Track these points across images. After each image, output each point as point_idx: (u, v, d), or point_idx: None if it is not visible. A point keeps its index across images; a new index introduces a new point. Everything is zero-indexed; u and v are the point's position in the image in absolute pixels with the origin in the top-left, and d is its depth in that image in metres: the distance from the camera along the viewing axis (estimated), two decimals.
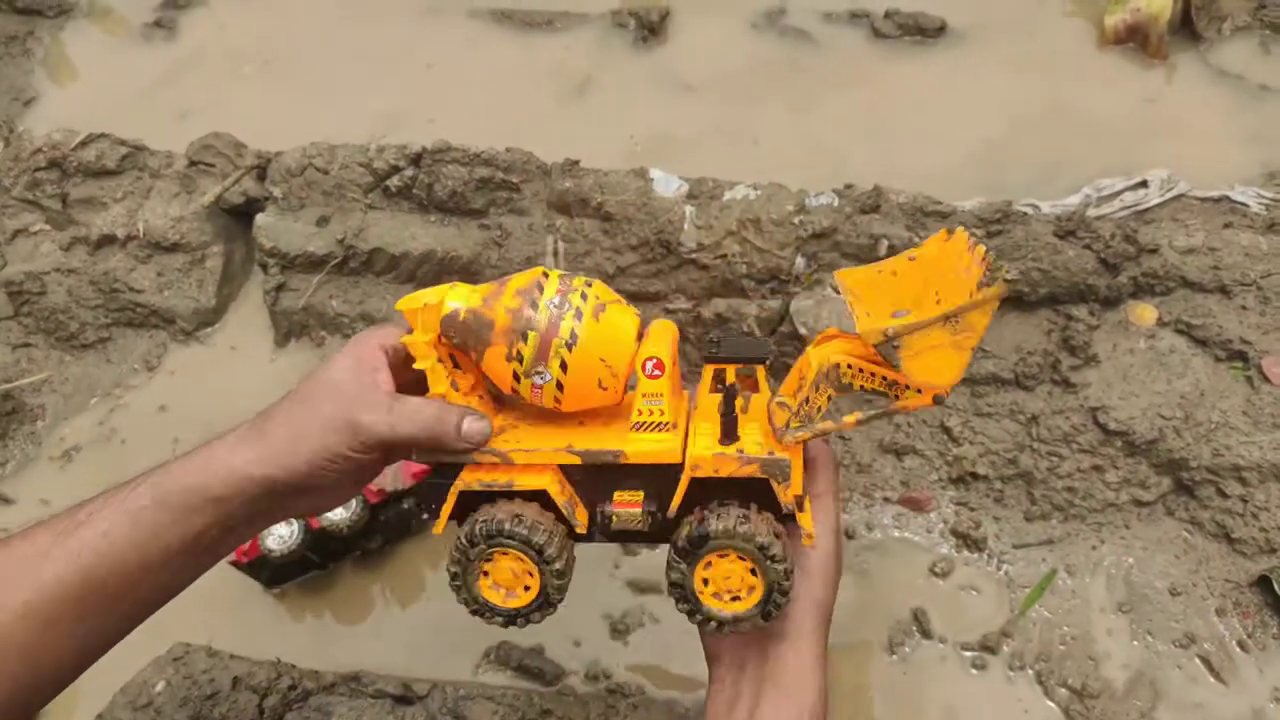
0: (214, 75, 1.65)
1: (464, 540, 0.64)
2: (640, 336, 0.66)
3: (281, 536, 1.00)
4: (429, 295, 0.64)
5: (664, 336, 0.66)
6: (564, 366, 0.62)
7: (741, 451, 0.63)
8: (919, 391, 0.62)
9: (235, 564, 1.02)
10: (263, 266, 1.30)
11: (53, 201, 1.38)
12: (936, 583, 1.04)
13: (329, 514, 1.01)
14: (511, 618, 0.67)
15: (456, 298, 0.64)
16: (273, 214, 1.30)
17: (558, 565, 0.64)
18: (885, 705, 0.97)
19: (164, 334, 1.31)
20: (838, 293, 1.12)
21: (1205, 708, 0.94)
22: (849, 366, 0.62)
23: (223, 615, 1.06)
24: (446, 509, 0.66)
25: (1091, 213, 1.19)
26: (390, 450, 0.64)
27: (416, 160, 1.28)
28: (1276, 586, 0.98)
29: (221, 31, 1.72)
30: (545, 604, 0.67)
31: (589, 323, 0.63)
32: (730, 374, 0.67)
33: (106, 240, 1.33)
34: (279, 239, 1.28)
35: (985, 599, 1.02)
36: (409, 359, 0.65)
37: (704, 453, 0.63)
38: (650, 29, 1.60)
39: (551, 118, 1.51)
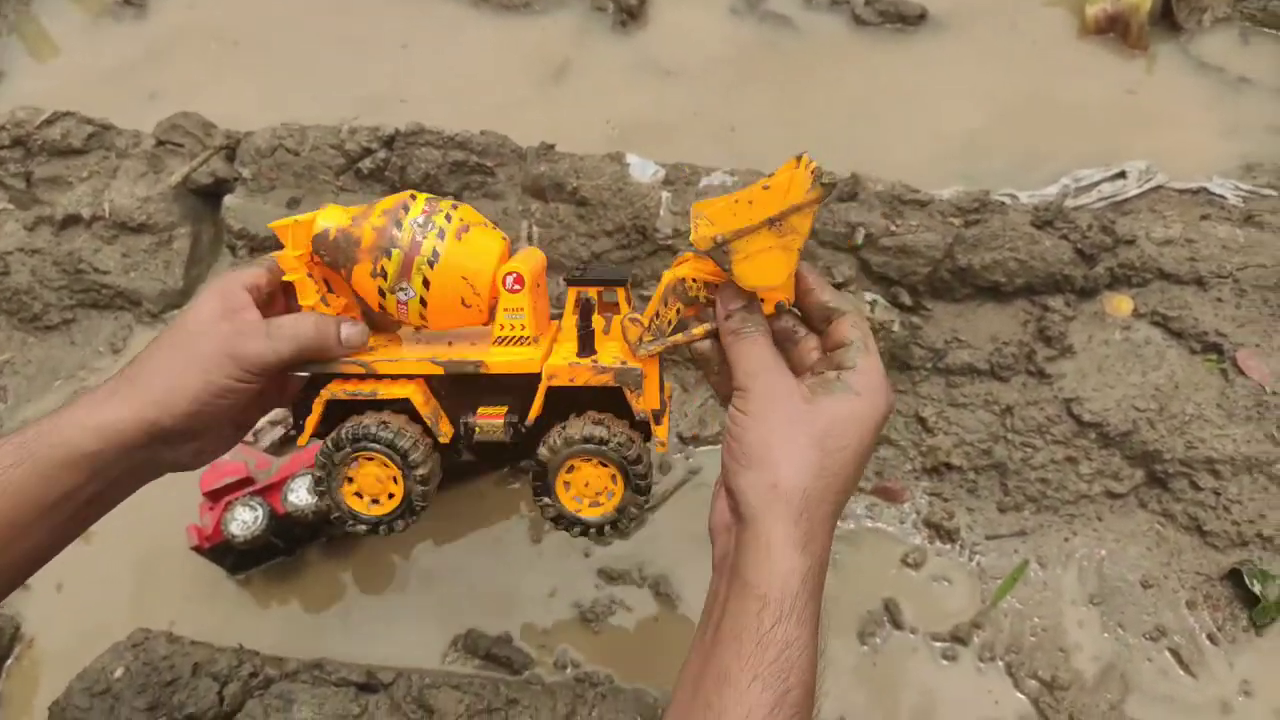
0: (184, 54, 1.62)
1: (330, 445, 0.66)
2: (505, 259, 0.68)
3: (245, 522, 0.98)
4: (302, 216, 0.66)
5: (529, 259, 0.68)
6: (426, 283, 0.65)
7: (596, 362, 0.66)
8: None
9: (198, 549, 1.00)
10: (231, 248, 1.27)
11: (16, 180, 1.35)
12: (908, 573, 1.03)
13: (294, 499, 0.99)
14: (374, 525, 0.69)
15: (327, 217, 0.66)
16: (242, 195, 1.28)
17: (421, 471, 0.66)
18: (855, 695, 0.96)
19: (130, 316, 1.29)
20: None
21: (1174, 700, 0.94)
22: (693, 281, 0.64)
23: (185, 601, 1.04)
24: (313, 420, 0.68)
25: (1069, 203, 1.18)
26: (273, 373, 0.64)
27: (389, 142, 1.26)
28: (1247, 580, 0.98)
29: (192, 10, 1.69)
30: (409, 511, 0.69)
31: (451, 242, 0.65)
32: (592, 294, 0.69)
33: (71, 220, 1.30)
34: (248, 220, 1.25)
35: (957, 590, 1.02)
36: (272, 295, 0.67)
37: (560, 363, 0.66)
38: (629, 13, 1.58)
39: (528, 102, 1.49)
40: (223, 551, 1.01)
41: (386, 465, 0.67)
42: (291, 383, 0.70)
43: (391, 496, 0.68)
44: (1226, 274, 1.10)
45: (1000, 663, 0.97)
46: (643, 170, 1.20)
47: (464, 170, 1.24)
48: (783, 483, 0.55)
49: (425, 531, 1.08)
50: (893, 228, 1.10)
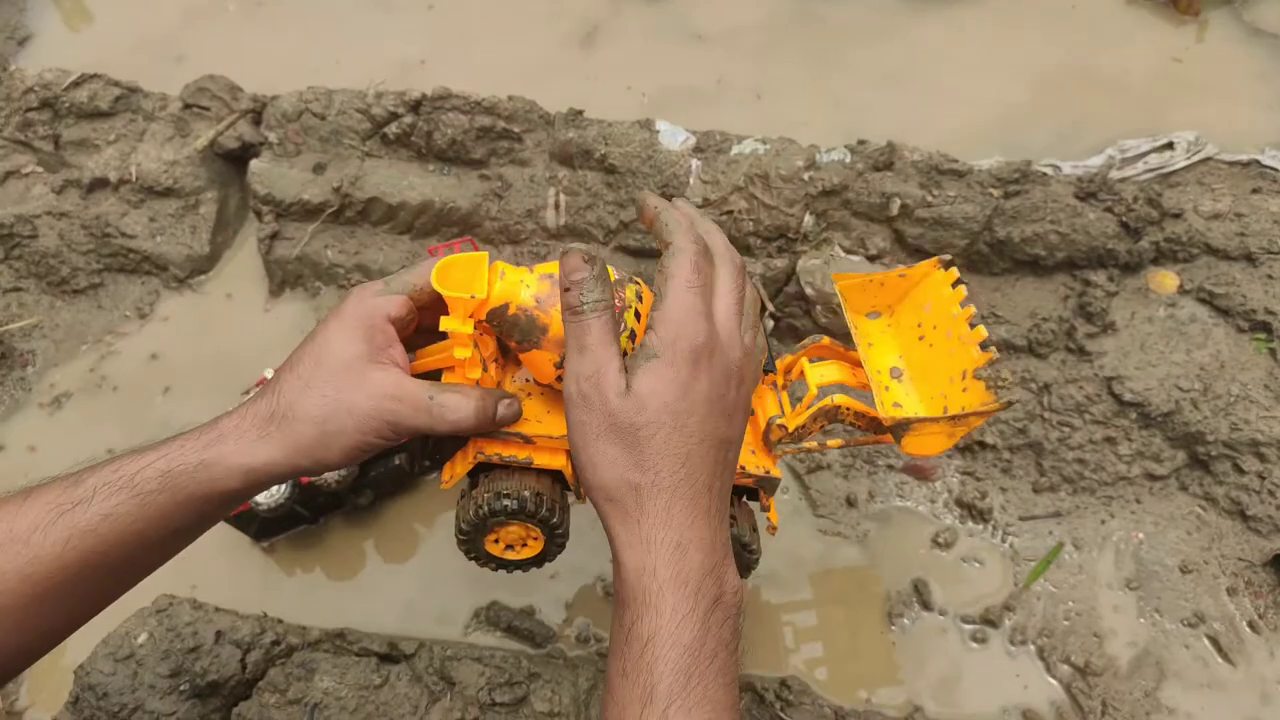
0: (211, 17, 1.61)
1: (483, 511, 0.65)
2: None
3: (269, 491, 0.97)
4: (475, 283, 0.59)
5: None
6: None
7: (743, 467, 0.68)
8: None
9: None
10: (257, 213, 1.26)
11: (45, 143, 1.34)
12: (939, 554, 1.01)
13: None
14: (511, 568, 0.71)
15: (508, 291, 0.60)
16: (268, 160, 1.26)
17: (561, 531, 0.68)
18: (882, 677, 0.94)
19: (156, 281, 1.28)
20: (844, 252, 1.09)
21: (1212, 689, 0.92)
22: (848, 410, 0.71)
23: (210, 568, 1.04)
24: (461, 470, 0.66)
25: (1114, 175, 1.14)
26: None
27: (415, 107, 1.24)
28: None
29: None
30: (546, 558, 0.71)
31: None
32: None
33: (99, 184, 1.30)
34: (274, 186, 1.24)
35: (988, 571, 0.99)
36: (410, 321, 0.63)
37: None
38: None
39: (557, 66, 1.46)
40: (247, 519, 1.01)
41: (529, 528, 0.68)
42: None
43: (527, 545, 0.70)
44: (1277, 250, 1.06)
45: (1032, 646, 0.95)
46: (673, 137, 1.17)
47: (491, 136, 1.22)
48: (602, 486, 0.54)
49: (449, 502, 1.07)
50: (929, 198, 1.07)
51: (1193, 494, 1.01)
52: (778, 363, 0.77)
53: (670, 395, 0.53)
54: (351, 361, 0.59)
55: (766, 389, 0.75)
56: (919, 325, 0.74)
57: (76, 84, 1.34)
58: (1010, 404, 0.65)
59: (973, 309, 0.69)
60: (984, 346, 0.67)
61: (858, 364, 0.73)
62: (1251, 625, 0.95)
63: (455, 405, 0.60)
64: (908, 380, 0.73)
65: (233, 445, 0.59)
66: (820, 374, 0.73)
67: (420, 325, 0.65)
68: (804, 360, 0.75)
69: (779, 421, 0.70)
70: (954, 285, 0.71)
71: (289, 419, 0.59)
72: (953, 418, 0.66)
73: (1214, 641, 0.94)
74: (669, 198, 0.74)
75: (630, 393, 0.53)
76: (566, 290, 0.55)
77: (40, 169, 1.33)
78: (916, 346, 0.74)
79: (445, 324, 0.60)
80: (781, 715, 0.86)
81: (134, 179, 1.29)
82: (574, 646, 0.97)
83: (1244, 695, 0.92)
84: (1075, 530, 1.01)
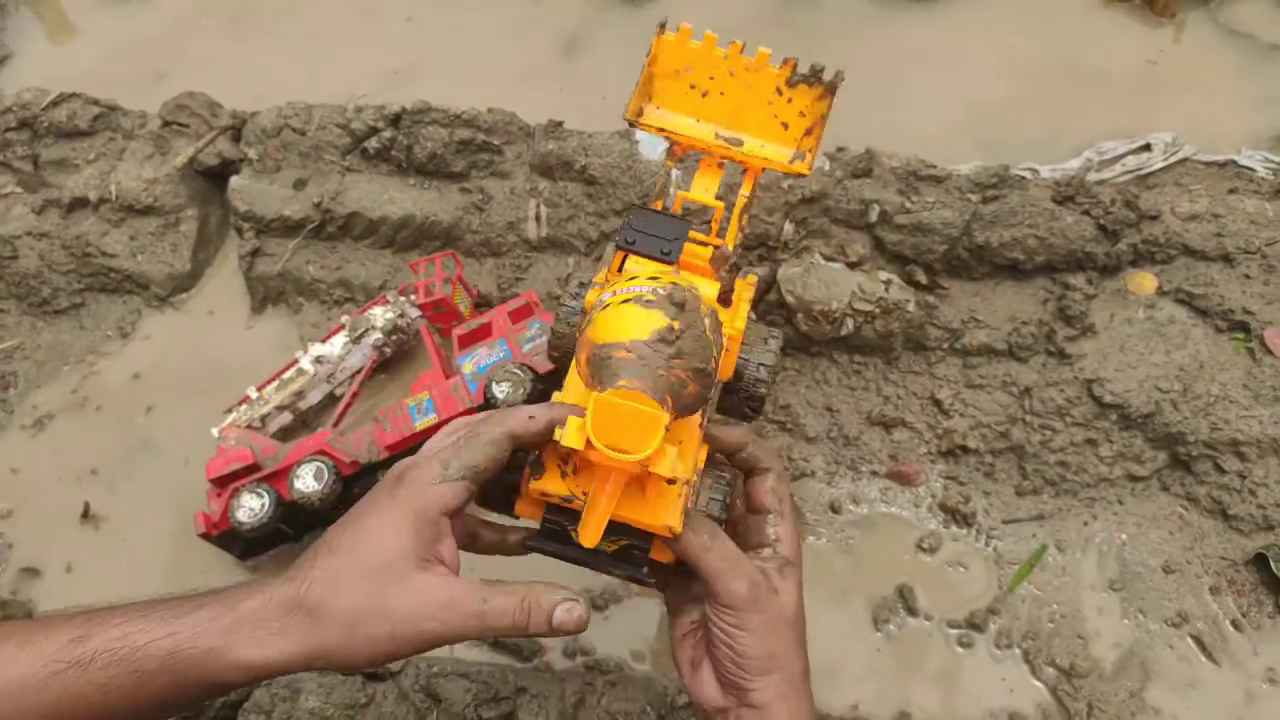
0: (191, 33, 1.60)
1: None
2: None
3: (251, 509, 0.98)
4: (645, 438, 0.50)
5: None
6: None
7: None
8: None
9: (205, 537, 1.00)
10: (238, 231, 1.26)
11: (24, 163, 1.34)
12: (923, 558, 1.01)
13: (300, 485, 0.98)
14: None
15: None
16: (248, 176, 1.26)
17: None
18: (868, 683, 0.95)
19: (138, 299, 1.28)
20: (824, 259, 1.09)
21: (1196, 688, 0.92)
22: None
23: (194, 589, 1.04)
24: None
25: (1092, 177, 1.15)
26: None
27: (395, 121, 1.24)
28: (1273, 565, 0.96)
29: None
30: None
31: None
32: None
33: (79, 203, 1.30)
34: (254, 202, 1.24)
35: (973, 575, 1.00)
36: (461, 509, 0.59)
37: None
38: None
39: (537, 77, 1.46)
40: (231, 538, 1.01)
41: None
42: None
43: None
44: (1255, 249, 1.07)
45: (1017, 650, 0.95)
46: (652, 148, 1.18)
47: (471, 149, 1.22)
48: (790, 676, 0.60)
49: None
50: (908, 204, 1.07)
51: (1174, 494, 1.02)
52: None
53: (801, 594, 0.63)
54: (395, 560, 0.55)
55: None
56: (691, 86, 0.75)
57: (55, 103, 1.33)
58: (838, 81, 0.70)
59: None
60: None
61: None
62: (1235, 624, 0.96)
63: (503, 610, 0.56)
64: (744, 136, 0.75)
65: (247, 635, 0.54)
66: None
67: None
68: None
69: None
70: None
71: (315, 614, 0.54)
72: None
73: (1198, 641, 0.95)
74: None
75: (783, 595, 0.61)
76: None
77: (19, 189, 1.33)
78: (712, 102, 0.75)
79: (590, 492, 0.55)
80: None
81: (114, 198, 1.28)
82: (562, 659, 0.97)
83: (1229, 694, 0.92)
84: (1058, 533, 1.01)
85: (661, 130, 0.74)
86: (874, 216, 1.08)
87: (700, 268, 0.69)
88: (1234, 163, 1.17)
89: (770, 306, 1.10)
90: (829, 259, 1.09)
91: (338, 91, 1.31)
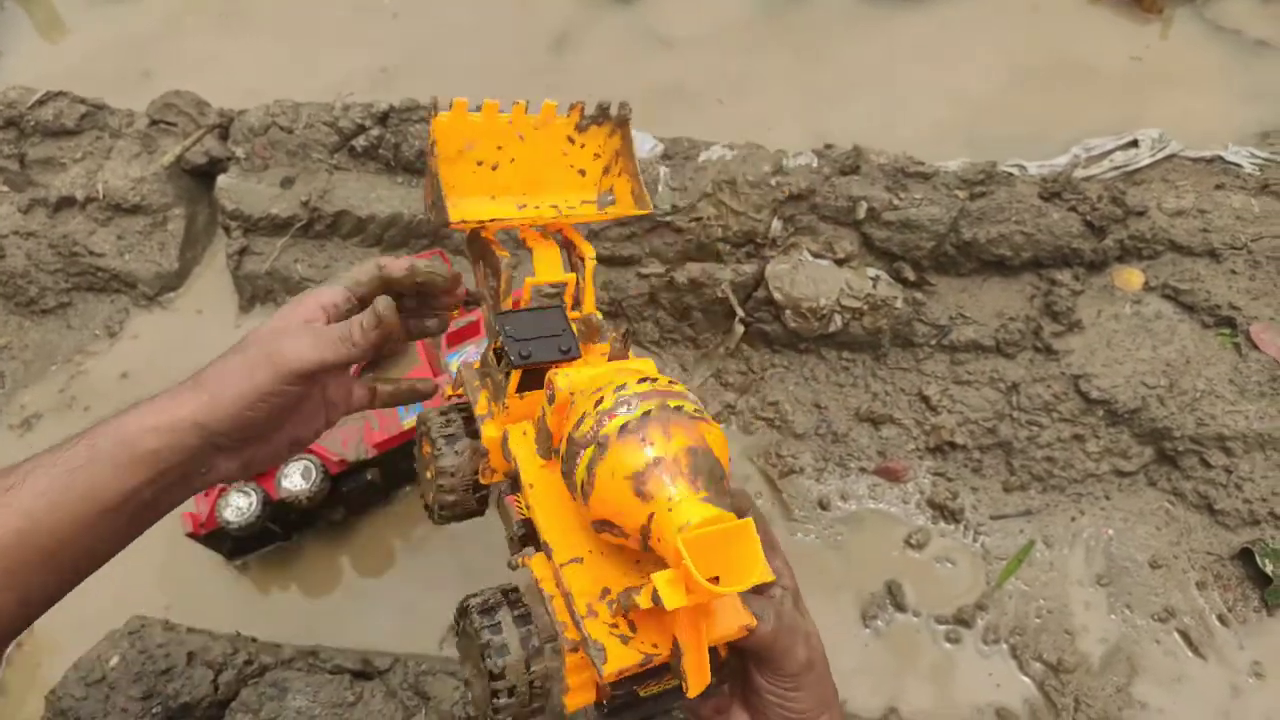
0: (178, 32, 1.60)
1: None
2: None
3: (239, 508, 0.97)
4: (751, 569, 0.46)
5: None
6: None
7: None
8: None
9: (193, 536, 0.99)
10: (225, 229, 1.26)
11: (10, 162, 1.34)
12: (911, 554, 1.01)
13: (287, 485, 0.98)
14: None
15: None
16: (235, 175, 1.26)
17: None
18: (857, 679, 0.95)
19: (126, 299, 1.28)
20: (812, 256, 1.09)
21: (1183, 682, 0.93)
22: None
23: (184, 588, 1.04)
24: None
25: (1080, 173, 1.15)
26: (312, 380, 0.63)
27: (383, 119, 1.24)
28: (1259, 559, 0.96)
29: None
30: None
31: None
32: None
33: (66, 202, 1.29)
34: (242, 201, 1.24)
35: (961, 571, 1.00)
36: (347, 313, 0.64)
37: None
38: None
39: (526, 73, 1.46)
40: (219, 538, 1.01)
41: None
42: (353, 395, 0.70)
43: None
44: (1240, 245, 1.07)
45: (1004, 645, 0.95)
46: (640, 145, 1.18)
47: None
48: (834, 707, 0.60)
49: (422, 517, 1.07)
50: (896, 201, 1.07)
51: (1161, 489, 1.02)
52: None
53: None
54: (270, 326, 0.63)
55: None
56: (479, 164, 0.68)
57: (41, 102, 1.33)
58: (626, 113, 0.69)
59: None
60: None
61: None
62: (1221, 618, 0.96)
63: (332, 329, 0.63)
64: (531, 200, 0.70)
65: (146, 406, 0.60)
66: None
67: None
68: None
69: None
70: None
71: (201, 377, 0.61)
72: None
73: (1184, 635, 0.95)
74: None
75: (811, 629, 0.61)
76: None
77: (6, 188, 1.33)
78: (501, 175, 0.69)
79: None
80: None
81: (101, 197, 1.28)
82: None
83: (1214, 688, 0.92)
84: (1046, 528, 1.01)
85: (464, 223, 0.66)
86: (862, 213, 1.08)
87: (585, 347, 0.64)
88: (1221, 158, 1.17)
89: (758, 303, 1.10)
90: (817, 256, 1.09)
91: (325, 89, 1.31)
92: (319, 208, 1.22)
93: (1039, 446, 1.03)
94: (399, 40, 1.53)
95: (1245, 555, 0.98)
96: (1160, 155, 1.18)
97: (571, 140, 0.71)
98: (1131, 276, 1.08)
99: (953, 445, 1.05)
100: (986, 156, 1.14)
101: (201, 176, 1.32)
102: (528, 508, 0.59)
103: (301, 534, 1.07)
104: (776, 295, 1.07)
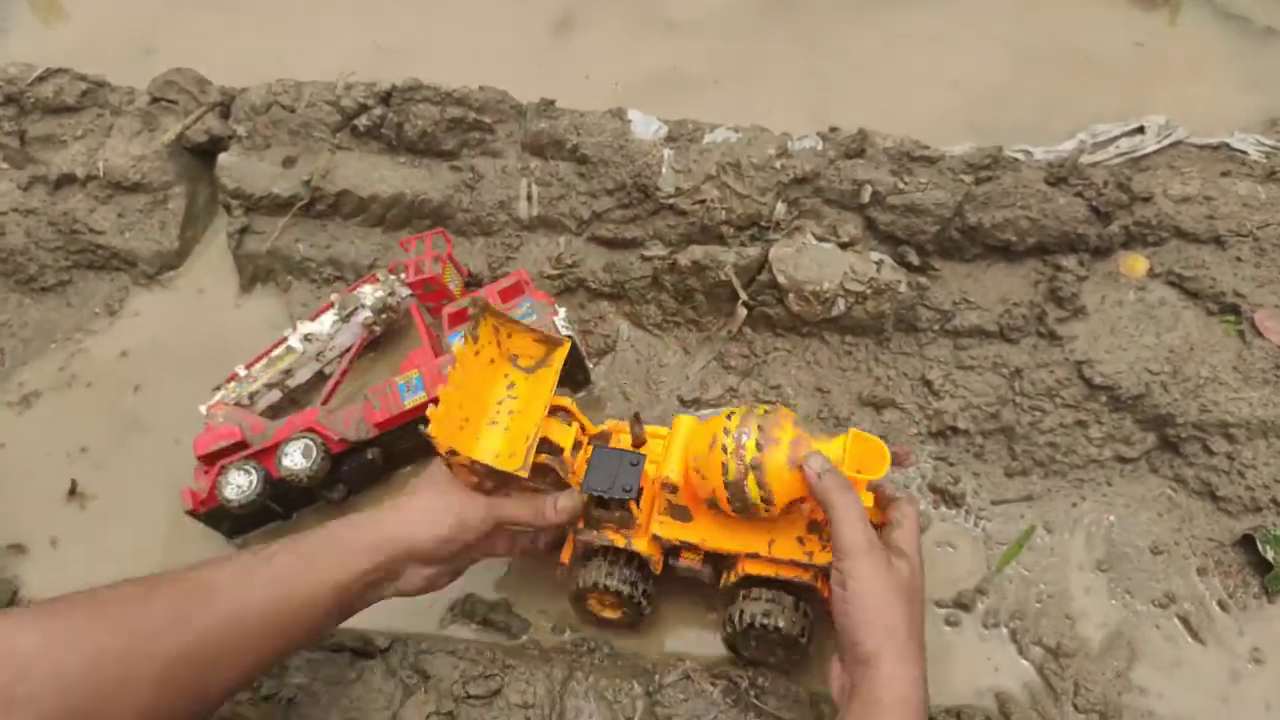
0: (179, 8, 1.59)
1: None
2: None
3: (239, 486, 0.97)
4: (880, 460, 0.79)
5: None
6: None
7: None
8: None
9: (193, 514, 0.99)
10: (226, 208, 1.25)
11: (10, 139, 1.33)
12: None
13: (288, 463, 0.98)
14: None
15: None
16: (236, 153, 1.25)
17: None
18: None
19: (126, 277, 1.27)
20: (816, 240, 1.09)
21: (1182, 668, 0.93)
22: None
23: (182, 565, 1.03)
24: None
25: (1086, 159, 1.15)
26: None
27: (386, 99, 1.23)
28: (1260, 546, 0.96)
29: None
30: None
31: None
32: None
33: (66, 180, 1.29)
34: (243, 179, 1.23)
35: (961, 555, 1.00)
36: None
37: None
38: None
39: (529, 54, 1.46)
40: (218, 515, 1.01)
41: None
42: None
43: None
44: (1246, 232, 1.07)
45: (1004, 629, 0.95)
46: (645, 127, 1.17)
47: (462, 127, 1.21)
48: (895, 632, 0.71)
49: None
50: (901, 185, 1.07)
51: (1163, 476, 1.02)
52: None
53: (916, 580, 0.78)
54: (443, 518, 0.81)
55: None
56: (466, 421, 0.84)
57: (41, 79, 1.32)
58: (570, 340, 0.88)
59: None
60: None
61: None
62: (1221, 604, 0.96)
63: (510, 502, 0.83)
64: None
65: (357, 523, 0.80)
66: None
67: None
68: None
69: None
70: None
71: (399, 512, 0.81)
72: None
73: (1184, 621, 0.95)
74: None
75: (899, 567, 0.76)
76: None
77: (6, 165, 1.32)
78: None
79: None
80: (756, 703, 0.86)
81: (101, 174, 1.27)
82: (549, 637, 0.97)
83: (1214, 674, 0.92)
84: (1047, 513, 1.01)
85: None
86: (866, 197, 1.08)
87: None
88: (1227, 145, 1.17)
89: (761, 287, 1.09)
90: (821, 239, 1.09)
91: (329, 69, 1.29)
92: (321, 187, 1.21)
93: (1041, 432, 1.02)
94: (399, 20, 1.52)
95: (1247, 542, 0.98)
96: (1166, 142, 1.17)
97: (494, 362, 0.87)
98: (1136, 263, 1.07)
99: (955, 430, 1.05)
100: (993, 141, 1.13)
101: (202, 155, 1.31)
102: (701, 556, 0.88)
103: (302, 512, 1.07)
104: (780, 278, 1.07)
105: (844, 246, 1.08)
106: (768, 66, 1.42)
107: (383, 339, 1.17)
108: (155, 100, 1.32)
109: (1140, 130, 1.19)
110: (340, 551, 0.74)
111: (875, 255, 1.08)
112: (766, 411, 0.79)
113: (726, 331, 1.13)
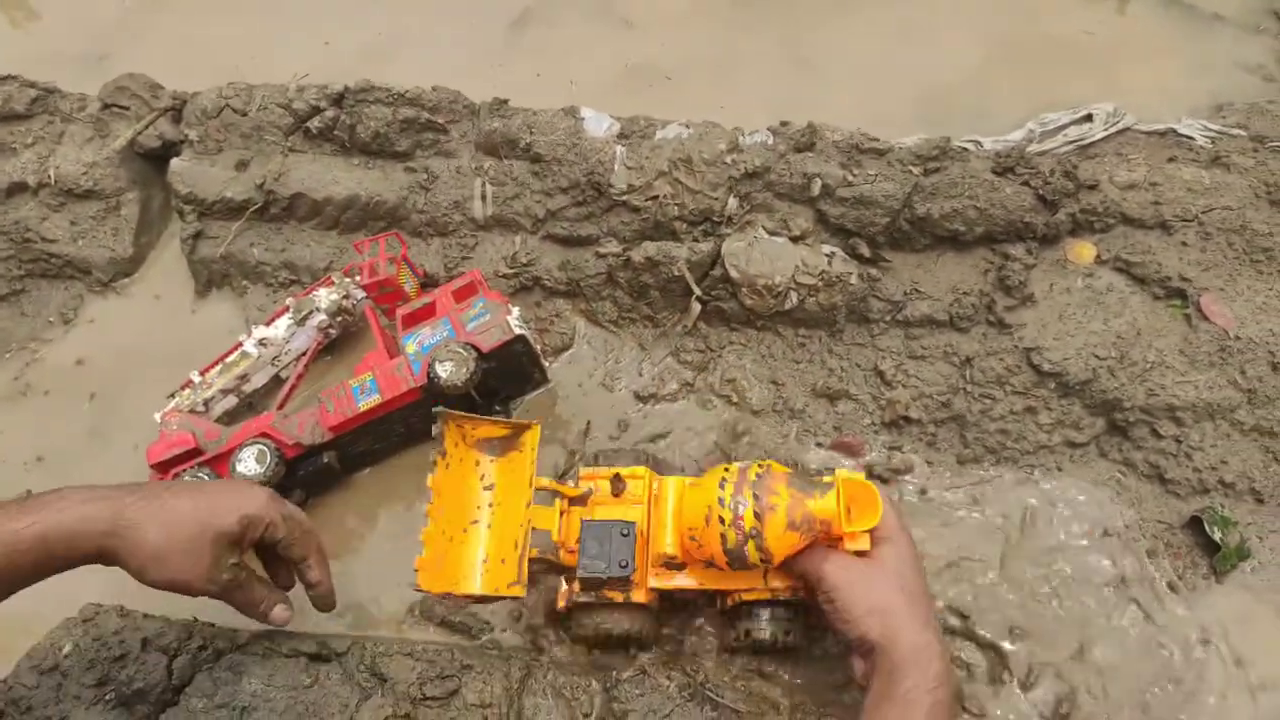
0: (128, 13, 1.58)
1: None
2: None
3: None
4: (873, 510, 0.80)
5: None
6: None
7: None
8: None
9: None
10: (179, 214, 1.25)
11: None
12: None
13: (242, 469, 0.98)
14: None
15: None
16: (189, 158, 1.25)
17: None
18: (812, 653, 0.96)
19: (80, 285, 1.26)
20: (767, 234, 1.09)
21: (1135, 648, 0.94)
22: None
23: None
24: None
25: (1034, 148, 1.16)
26: None
27: (338, 100, 1.22)
28: (1208, 527, 0.97)
29: None
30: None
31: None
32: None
33: (17, 188, 1.28)
34: (195, 184, 1.23)
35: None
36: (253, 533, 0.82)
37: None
38: None
39: (483, 53, 1.45)
40: None
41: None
42: None
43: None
44: (1191, 217, 1.08)
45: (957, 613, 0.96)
46: (597, 124, 1.17)
47: (415, 128, 1.21)
48: (888, 609, 0.77)
49: (381, 499, 1.07)
50: (850, 178, 1.08)
51: (1112, 460, 1.03)
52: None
53: (901, 553, 0.82)
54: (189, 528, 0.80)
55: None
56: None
57: None
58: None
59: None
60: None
61: None
62: (1171, 586, 0.97)
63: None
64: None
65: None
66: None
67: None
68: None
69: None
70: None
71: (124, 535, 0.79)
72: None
73: (1135, 603, 0.96)
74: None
75: (877, 557, 0.81)
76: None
77: None
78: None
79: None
80: (712, 696, 0.87)
81: (53, 182, 1.26)
82: (509, 637, 0.97)
83: (1166, 654, 0.93)
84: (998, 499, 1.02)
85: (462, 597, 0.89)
86: (816, 190, 1.08)
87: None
88: (1174, 131, 1.18)
89: (715, 281, 1.10)
90: (772, 233, 1.10)
91: (281, 72, 1.29)
92: (275, 190, 1.20)
93: (992, 419, 1.04)
94: (353, 20, 1.51)
95: (1195, 523, 0.99)
96: (1114, 129, 1.18)
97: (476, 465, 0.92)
98: (1083, 250, 1.09)
99: (908, 419, 1.06)
100: (942, 132, 1.14)
101: (155, 160, 1.30)
102: None
103: None
104: (732, 273, 1.08)
105: (795, 240, 1.09)
106: (726, 62, 1.42)
107: (340, 342, 1.17)
108: (106, 106, 1.31)
109: (1088, 118, 1.20)
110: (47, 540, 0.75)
111: (826, 248, 1.08)
112: (759, 475, 0.80)
113: (681, 327, 1.13)
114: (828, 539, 0.81)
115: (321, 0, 1.55)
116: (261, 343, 1.10)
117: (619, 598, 0.88)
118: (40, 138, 1.31)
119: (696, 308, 1.11)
